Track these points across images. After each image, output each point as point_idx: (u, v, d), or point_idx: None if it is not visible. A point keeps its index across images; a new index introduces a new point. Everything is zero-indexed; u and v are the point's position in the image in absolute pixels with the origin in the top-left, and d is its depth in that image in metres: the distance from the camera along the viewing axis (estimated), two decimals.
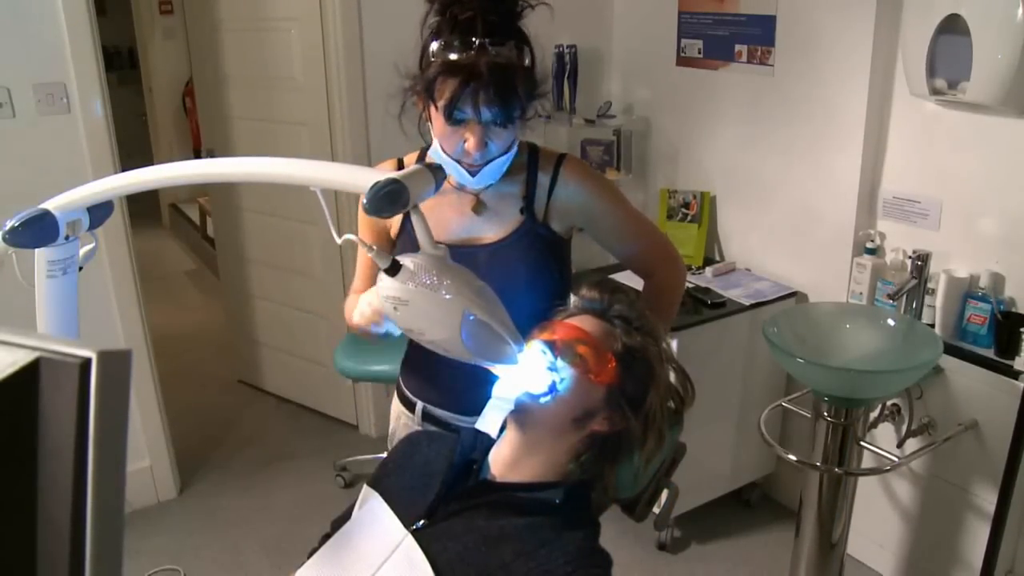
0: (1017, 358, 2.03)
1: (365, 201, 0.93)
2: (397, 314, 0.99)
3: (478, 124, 1.22)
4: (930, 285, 2.21)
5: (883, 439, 2.30)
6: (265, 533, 2.72)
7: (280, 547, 2.63)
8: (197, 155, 5.20)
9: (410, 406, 1.47)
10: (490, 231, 1.36)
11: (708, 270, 2.76)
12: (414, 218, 0.98)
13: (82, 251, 1.20)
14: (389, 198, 0.93)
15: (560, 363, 1.07)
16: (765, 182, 2.70)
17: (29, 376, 0.46)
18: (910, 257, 2.24)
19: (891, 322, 2.17)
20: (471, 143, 1.23)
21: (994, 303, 2.10)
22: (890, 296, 2.27)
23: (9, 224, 1.09)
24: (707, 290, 2.60)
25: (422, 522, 1.08)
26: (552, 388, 1.06)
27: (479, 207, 1.36)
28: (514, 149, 1.31)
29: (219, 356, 3.97)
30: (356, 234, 1.05)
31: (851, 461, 2.13)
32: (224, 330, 3.93)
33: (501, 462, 1.12)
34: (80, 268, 1.20)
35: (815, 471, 2.17)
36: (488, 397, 1.08)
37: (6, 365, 0.46)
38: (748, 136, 2.73)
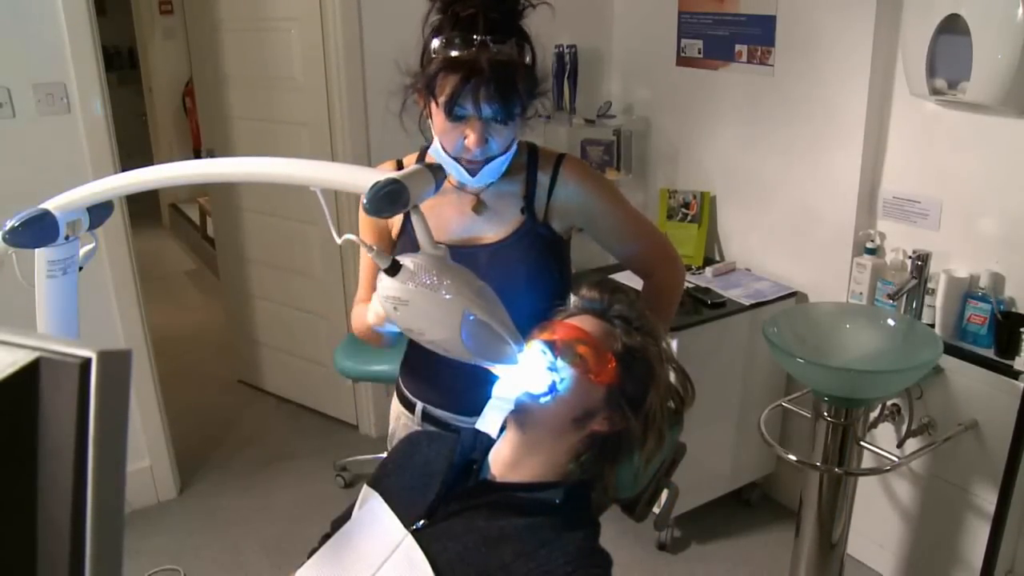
0: (1017, 358, 2.03)
1: (365, 201, 0.93)
2: (397, 314, 0.99)
3: (478, 120, 1.22)
4: (930, 285, 2.21)
5: (883, 439, 2.30)
6: (265, 533, 2.72)
7: (280, 547, 2.63)
8: (197, 155, 5.20)
9: (410, 407, 1.47)
10: (491, 231, 1.36)
11: (708, 270, 2.76)
12: (414, 218, 0.98)
13: (82, 251, 1.20)
14: (389, 198, 0.93)
15: (560, 363, 1.07)
16: (765, 182, 2.70)
17: (29, 376, 0.46)
18: (910, 257, 2.24)
19: (891, 322, 2.17)
20: (471, 139, 1.23)
21: (994, 303, 2.10)
22: (890, 296, 2.27)
23: (9, 224, 1.09)
24: (707, 290, 2.60)
25: (422, 522, 1.08)
26: (552, 388, 1.06)
27: (479, 207, 1.36)
28: (513, 148, 1.31)
29: (219, 356, 3.97)
30: (356, 234, 1.05)
31: (851, 461, 2.13)
32: (224, 330, 3.93)
33: (501, 462, 1.12)
34: (80, 268, 1.20)
35: (815, 471, 2.17)
36: (488, 397, 1.08)
37: (6, 365, 0.46)
38: (748, 136, 2.73)
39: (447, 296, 0.96)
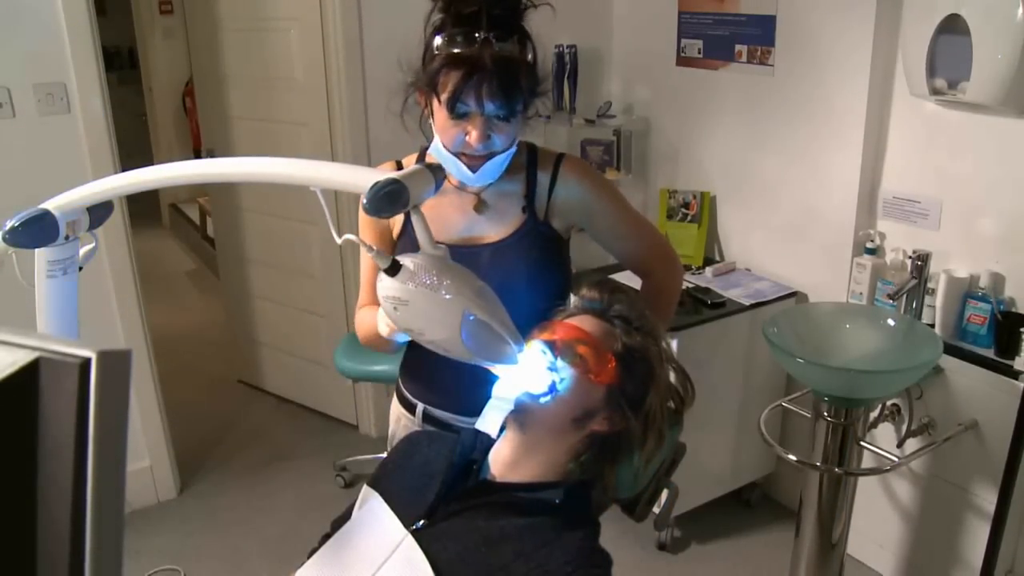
0: (1017, 358, 2.03)
1: (365, 201, 0.93)
2: (397, 314, 0.99)
3: (481, 117, 1.22)
4: (930, 285, 2.21)
5: (883, 439, 2.30)
6: (265, 533, 2.72)
7: (280, 547, 2.63)
8: (197, 155, 5.21)
9: (410, 408, 1.47)
10: (492, 230, 1.36)
11: (708, 270, 2.76)
12: (414, 218, 0.98)
13: (82, 251, 1.20)
14: (389, 198, 0.93)
15: (560, 363, 1.07)
16: (765, 182, 2.70)
17: (29, 376, 0.46)
18: (910, 257, 2.24)
19: (891, 322, 2.17)
20: (473, 136, 1.22)
21: (994, 303, 2.10)
22: (890, 296, 2.27)
23: (9, 224, 1.09)
24: (707, 290, 2.60)
25: (422, 522, 1.08)
26: (552, 388, 1.06)
27: (481, 206, 1.36)
28: (514, 147, 1.31)
29: (219, 356, 3.97)
30: (356, 234, 1.05)
31: (851, 461, 2.13)
32: (224, 330, 3.93)
33: (501, 462, 1.12)
34: (80, 268, 1.20)
35: (815, 471, 2.17)
36: (488, 397, 1.08)
37: (6, 365, 0.46)
38: (748, 136, 2.73)
39: (447, 296, 0.96)
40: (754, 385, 2.64)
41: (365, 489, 1.18)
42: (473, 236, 1.36)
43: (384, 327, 1.17)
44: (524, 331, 1.06)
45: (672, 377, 1.17)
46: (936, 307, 2.19)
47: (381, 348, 1.38)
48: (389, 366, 2.62)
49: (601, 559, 1.03)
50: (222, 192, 3.53)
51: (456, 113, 1.22)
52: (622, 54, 3.19)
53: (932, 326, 2.20)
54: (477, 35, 1.19)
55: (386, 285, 0.98)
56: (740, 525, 2.73)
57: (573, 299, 1.19)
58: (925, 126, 2.25)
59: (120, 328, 2.67)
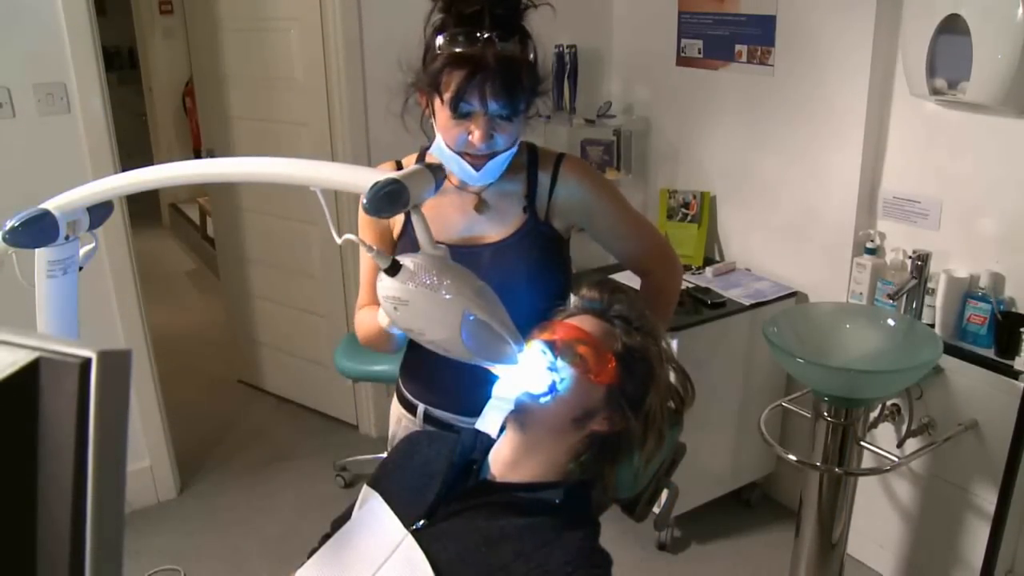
0: (1017, 358, 2.03)
1: (365, 201, 0.93)
2: (397, 314, 0.99)
3: (484, 116, 1.22)
4: (930, 285, 2.21)
5: (883, 439, 2.30)
6: (265, 533, 2.72)
7: (280, 547, 2.63)
8: (197, 155, 5.20)
9: (411, 409, 1.47)
10: (493, 230, 1.36)
11: (708, 270, 2.76)
12: (414, 218, 0.98)
13: (82, 251, 1.20)
14: (389, 198, 0.93)
15: (560, 363, 1.07)
16: (765, 182, 2.70)
17: (29, 376, 0.46)
18: (910, 257, 2.24)
19: (891, 322, 2.17)
20: (476, 135, 1.22)
21: (994, 303, 2.10)
22: (890, 296, 2.27)
23: (9, 224, 1.09)
24: (707, 290, 2.60)
25: (422, 522, 1.08)
26: (552, 388, 1.06)
27: (481, 206, 1.36)
28: (516, 145, 1.31)
29: (219, 356, 3.97)
30: (356, 235, 1.05)
31: (851, 461, 2.13)
32: (224, 330, 3.93)
33: (501, 462, 1.12)
34: (80, 268, 1.20)
35: (815, 471, 2.17)
36: (489, 397, 1.08)
37: (6, 365, 0.46)
38: (748, 136, 2.73)
39: (447, 296, 0.96)
40: (754, 385, 2.64)
41: (365, 489, 1.18)
42: (474, 236, 1.36)
43: (383, 317, 1.17)
44: (524, 331, 1.06)
45: (672, 377, 1.17)
46: (936, 307, 2.19)
47: (381, 348, 1.38)
48: (389, 366, 2.62)
49: (601, 559, 1.03)
50: (222, 192, 3.53)
51: (459, 113, 1.22)
52: (622, 54, 3.19)
53: (932, 326, 2.20)
54: (479, 35, 1.19)
55: (386, 285, 0.98)
56: (740, 525, 2.73)
57: (573, 299, 1.19)
58: (925, 126, 2.25)
59: (120, 328, 2.67)
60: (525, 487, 1.09)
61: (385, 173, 0.96)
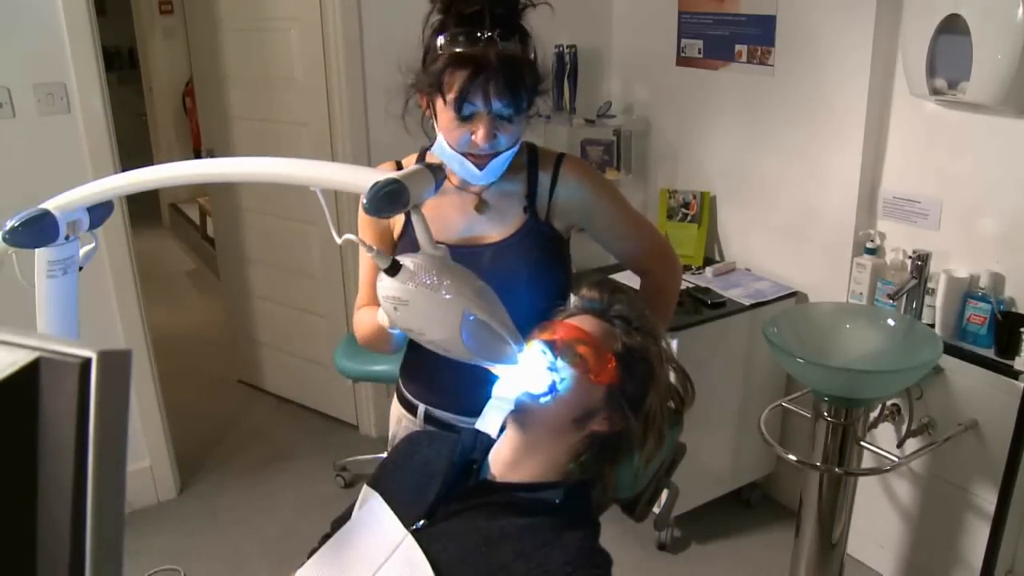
0: (1017, 358, 2.03)
1: (365, 201, 0.93)
2: (397, 314, 0.99)
3: (487, 115, 1.21)
4: (930, 285, 2.21)
5: (883, 439, 2.30)
6: (265, 533, 2.72)
7: (280, 547, 2.63)
8: (197, 155, 5.20)
9: (412, 409, 1.47)
10: (494, 230, 1.36)
11: (708, 270, 2.76)
12: (414, 218, 0.98)
13: (82, 251, 1.20)
14: (389, 198, 0.93)
15: (560, 363, 1.07)
16: (765, 182, 2.70)
17: (29, 376, 0.46)
18: (910, 257, 2.24)
19: (891, 322, 2.17)
20: (480, 135, 1.22)
21: (994, 303, 2.10)
22: (890, 296, 2.27)
23: (9, 224, 1.09)
24: (707, 290, 2.60)
25: (422, 522, 1.08)
26: (552, 388, 1.06)
27: (482, 206, 1.36)
28: (518, 144, 1.31)
29: (219, 356, 3.97)
30: (356, 235, 1.05)
31: (851, 461, 2.13)
32: (224, 330, 3.93)
33: (501, 462, 1.12)
34: (80, 268, 1.20)
35: (815, 471, 2.17)
36: (489, 397, 1.08)
37: (6, 365, 0.46)
38: (748, 136, 2.73)
39: (447, 296, 0.96)
40: (754, 385, 2.64)
41: (365, 489, 1.18)
42: (474, 236, 1.36)
43: (382, 316, 1.17)
44: (525, 331, 1.06)
45: (672, 377, 1.17)
46: (936, 307, 2.19)
47: (380, 349, 1.38)
48: (389, 366, 2.62)
49: (601, 559, 1.03)
50: (222, 192, 3.53)
51: (463, 113, 1.22)
52: (622, 54, 3.19)
53: (932, 326, 2.20)
54: (480, 34, 1.18)
55: (386, 285, 0.98)
56: (740, 525, 2.73)
57: (573, 299, 1.19)
58: (925, 126, 2.25)
59: (120, 328, 2.67)
60: (525, 487, 1.09)
61: (385, 173, 0.96)
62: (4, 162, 2.36)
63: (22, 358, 0.46)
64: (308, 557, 1.16)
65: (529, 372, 1.04)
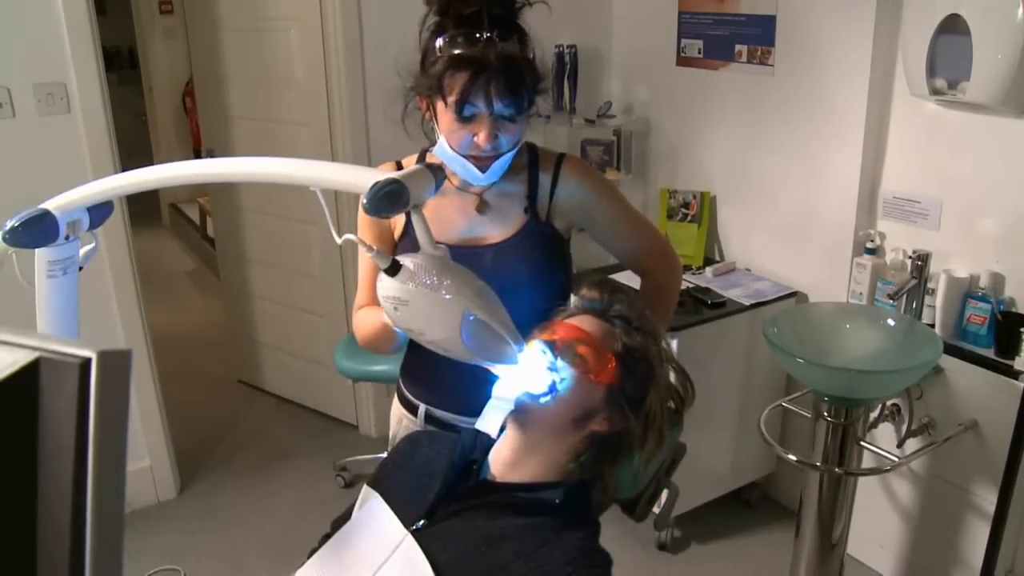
0: (1017, 358, 2.03)
1: (365, 201, 0.93)
2: (397, 314, 0.99)
3: (488, 117, 1.21)
4: (930, 285, 2.21)
5: (883, 439, 2.30)
6: (265, 533, 2.72)
7: (280, 547, 2.63)
8: (197, 155, 5.20)
9: (412, 409, 1.47)
10: (494, 231, 1.36)
11: (708, 270, 2.76)
12: (414, 218, 0.98)
13: (82, 251, 1.20)
14: (389, 198, 0.93)
15: (560, 363, 1.07)
16: (765, 182, 2.70)
17: (29, 376, 0.46)
18: (910, 257, 2.24)
19: (891, 322, 2.17)
20: (482, 136, 1.22)
21: (994, 303, 2.10)
22: (890, 296, 2.27)
23: (9, 224, 1.09)
24: (707, 290, 2.60)
25: (422, 522, 1.08)
26: (552, 388, 1.06)
27: (483, 206, 1.36)
28: (519, 144, 1.30)
29: (219, 356, 3.97)
30: (356, 235, 1.05)
31: (851, 461, 2.13)
32: (224, 330, 3.93)
33: (501, 462, 1.12)
34: (80, 268, 1.20)
35: (815, 471, 2.17)
36: (489, 397, 1.08)
37: (6, 365, 0.46)
38: (748, 136, 2.73)
39: (447, 296, 0.96)
40: (754, 385, 2.64)
41: (365, 489, 1.18)
42: (475, 237, 1.36)
43: (387, 316, 1.17)
44: (525, 331, 1.06)
45: (672, 377, 1.17)
46: (936, 307, 2.19)
47: (380, 349, 1.38)
48: (389, 366, 2.62)
49: (601, 559, 1.03)
50: (222, 192, 3.53)
51: (464, 115, 1.21)
52: (622, 54, 3.19)
53: (932, 326, 2.20)
54: (479, 35, 1.18)
55: (386, 285, 0.98)
56: (740, 525, 2.73)
57: (573, 299, 1.19)
58: (925, 126, 2.25)
59: (120, 328, 2.67)
60: (525, 487, 1.09)
61: (385, 173, 0.96)
62: (4, 162, 2.36)
63: (22, 358, 0.46)
64: (308, 557, 1.16)
65: (529, 372, 1.04)
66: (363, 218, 1.38)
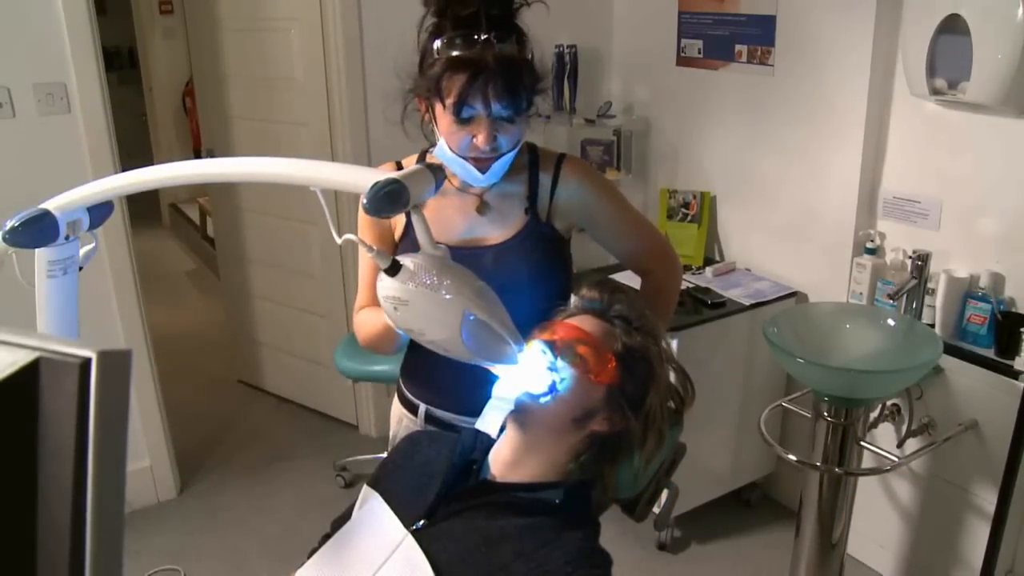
0: (1017, 358, 2.03)
1: (365, 201, 0.93)
2: (397, 314, 0.99)
3: (487, 118, 1.21)
4: (930, 285, 2.21)
5: (883, 439, 2.30)
6: (265, 533, 2.72)
7: (280, 547, 2.63)
8: (197, 155, 5.20)
9: (412, 409, 1.47)
10: (495, 232, 1.36)
11: (708, 270, 2.76)
12: (414, 218, 0.98)
13: (82, 251, 1.20)
14: (389, 198, 0.93)
15: (560, 363, 1.07)
16: (765, 182, 2.70)
17: (29, 376, 0.46)
18: (910, 257, 2.24)
19: (891, 322, 2.17)
20: (481, 138, 1.22)
21: (994, 303, 2.10)
22: (890, 296, 2.27)
23: (9, 224, 1.09)
24: (707, 290, 2.60)
25: (422, 522, 1.08)
26: (552, 388, 1.06)
27: (483, 207, 1.36)
28: (519, 145, 1.30)
29: (219, 356, 3.97)
30: (356, 235, 1.05)
31: (851, 461, 2.13)
32: (224, 330, 3.93)
33: (501, 462, 1.12)
34: (80, 268, 1.20)
35: (815, 471, 2.17)
36: (490, 397, 1.08)
37: (6, 365, 0.46)
38: (748, 136, 2.73)
39: (447, 296, 0.96)
40: (754, 385, 2.64)
41: (365, 489, 1.18)
42: (476, 238, 1.36)
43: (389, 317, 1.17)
44: (525, 331, 1.06)
45: (672, 377, 1.17)
46: (936, 307, 2.19)
47: (382, 350, 1.38)
48: (389, 366, 2.62)
49: (601, 559, 1.03)
50: (222, 192, 3.53)
51: (462, 117, 1.21)
52: (622, 54, 3.19)
53: (932, 326, 2.20)
54: (477, 36, 1.18)
55: (386, 285, 0.98)
56: (740, 525, 2.73)
57: (573, 299, 1.19)
58: (925, 126, 2.25)
59: (120, 328, 2.67)
60: (525, 487, 1.09)
61: (385, 173, 0.96)
62: (4, 162, 2.36)
63: (22, 358, 0.47)
64: (308, 557, 1.16)
65: (529, 372, 1.04)
66: (363, 218, 1.38)
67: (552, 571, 0.97)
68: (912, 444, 2.22)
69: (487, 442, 1.15)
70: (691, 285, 2.65)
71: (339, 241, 1.00)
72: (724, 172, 2.85)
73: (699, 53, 2.84)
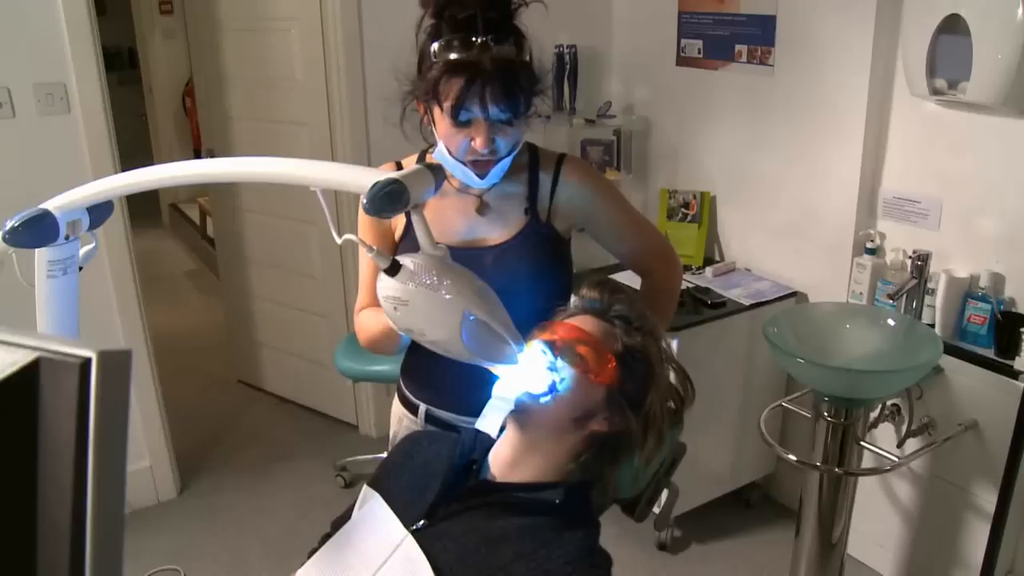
0: (1017, 358, 2.03)
1: (365, 201, 0.93)
2: (397, 314, 0.99)
3: (485, 121, 1.21)
4: (930, 285, 2.21)
5: (883, 439, 2.30)
6: (265, 533, 2.72)
7: (280, 547, 2.63)
8: (197, 155, 5.21)
9: (413, 409, 1.47)
10: (495, 232, 1.36)
11: (708, 270, 2.76)
12: (414, 218, 0.98)
13: (82, 251, 1.20)
14: (389, 198, 0.93)
15: (560, 363, 1.07)
16: (765, 182, 2.70)
17: (29, 376, 0.46)
18: (910, 257, 2.24)
19: (891, 322, 2.17)
20: (478, 141, 1.22)
21: (994, 303, 2.10)
22: (890, 296, 2.27)
23: (9, 224, 1.09)
24: (707, 290, 2.60)
25: (422, 522, 1.08)
26: (552, 388, 1.06)
27: (483, 208, 1.36)
28: (519, 147, 1.30)
29: (219, 356, 3.96)
30: (356, 235, 1.05)
31: (851, 461, 2.13)
32: (224, 330, 3.93)
33: (501, 462, 1.12)
34: (80, 268, 1.20)
35: (815, 471, 2.17)
36: (490, 397, 1.08)
37: (6, 365, 0.46)
38: (748, 136, 2.73)
39: (447, 296, 0.96)
40: (754, 385, 2.64)
41: (365, 489, 1.18)
42: (476, 239, 1.36)
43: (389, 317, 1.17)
44: (526, 332, 1.06)
45: (672, 377, 1.17)
46: (936, 307, 2.19)
47: (385, 351, 1.38)
48: (389, 366, 2.62)
49: (601, 559, 1.03)
50: (222, 192, 3.53)
51: (460, 120, 1.21)
52: (622, 54, 3.19)
53: (932, 326, 2.20)
54: (474, 39, 1.18)
55: (386, 285, 0.98)
56: (740, 525, 2.73)
57: (573, 299, 1.19)
58: (925, 126, 2.25)
59: (120, 328, 2.67)
60: (525, 487, 1.09)
61: (385, 173, 0.96)
62: (4, 162, 2.36)
63: (22, 358, 0.47)
64: (308, 557, 1.16)
65: (529, 372, 1.04)
66: (363, 218, 1.38)
67: (552, 571, 0.97)
68: (912, 444, 2.22)
69: (487, 442, 1.15)
70: (691, 285, 2.65)
71: (339, 241, 1.00)
72: (724, 172, 2.85)
73: (699, 53, 2.84)
